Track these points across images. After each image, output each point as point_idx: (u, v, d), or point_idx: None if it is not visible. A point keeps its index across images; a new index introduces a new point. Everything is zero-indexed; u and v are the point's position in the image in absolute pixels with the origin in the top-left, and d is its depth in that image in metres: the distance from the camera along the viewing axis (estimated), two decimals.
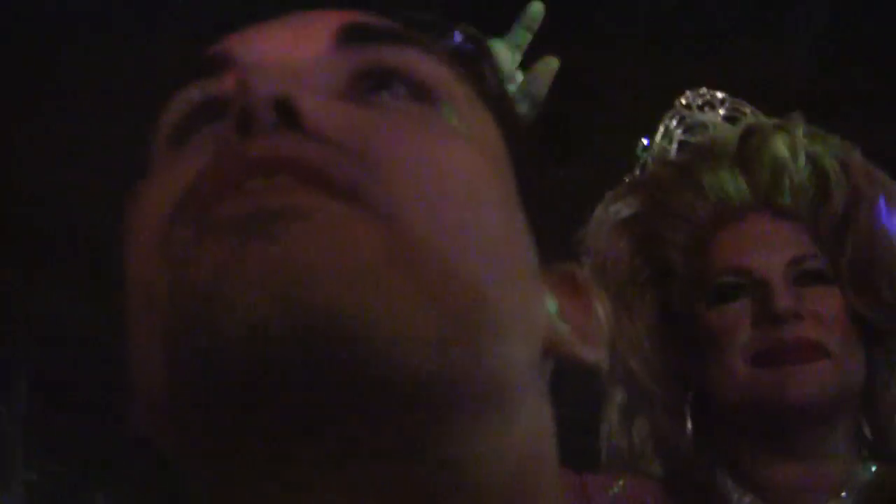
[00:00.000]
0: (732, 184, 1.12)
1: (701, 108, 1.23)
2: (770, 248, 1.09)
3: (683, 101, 1.24)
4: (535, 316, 0.52)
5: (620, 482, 1.10)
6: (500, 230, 0.50)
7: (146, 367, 0.48)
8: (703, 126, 1.20)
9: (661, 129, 1.23)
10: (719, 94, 1.23)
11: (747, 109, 1.21)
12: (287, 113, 0.47)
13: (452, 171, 0.49)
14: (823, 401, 1.04)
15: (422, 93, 0.52)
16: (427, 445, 0.47)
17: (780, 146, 1.11)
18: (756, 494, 1.07)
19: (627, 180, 1.19)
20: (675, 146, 1.21)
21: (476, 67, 0.57)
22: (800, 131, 1.12)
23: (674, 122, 1.23)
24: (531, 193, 0.56)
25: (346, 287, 0.44)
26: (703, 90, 1.25)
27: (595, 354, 0.56)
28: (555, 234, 0.59)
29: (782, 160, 1.11)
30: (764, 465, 1.07)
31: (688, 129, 1.21)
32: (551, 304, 0.56)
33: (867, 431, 1.10)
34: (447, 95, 0.53)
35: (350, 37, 0.53)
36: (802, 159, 1.11)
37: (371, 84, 0.52)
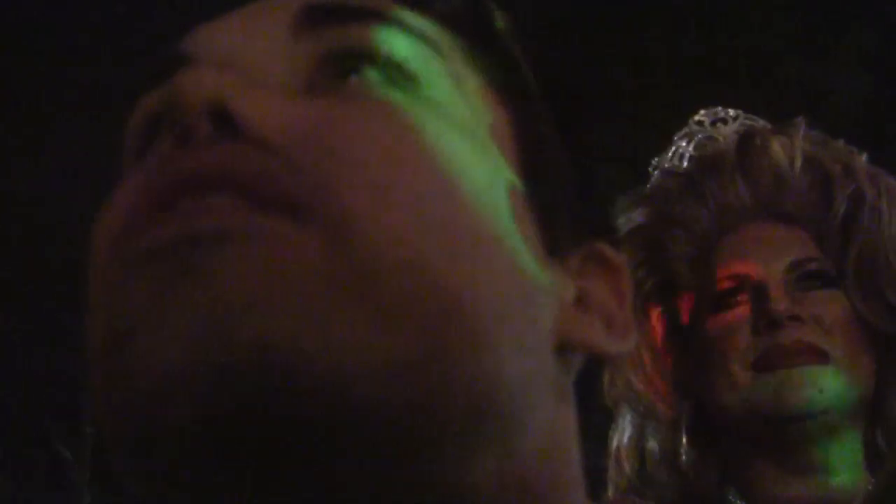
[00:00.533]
0: (733, 191, 1.10)
1: (713, 124, 1.21)
2: (769, 253, 1.07)
3: (697, 119, 1.23)
4: (536, 313, 0.46)
5: None
6: (481, 226, 0.44)
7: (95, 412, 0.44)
8: (714, 140, 1.18)
9: (673, 147, 1.22)
10: (731, 112, 1.22)
11: (760, 124, 1.19)
12: (223, 119, 0.42)
13: (421, 167, 0.44)
14: (824, 407, 1.01)
15: (396, 75, 0.47)
16: (405, 483, 0.42)
17: (778, 150, 1.09)
18: None
19: (632, 193, 1.17)
20: (684, 163, 1.19)
21: (473, 34, 0.52)
22: (799, 135, 1.10)
23: (684, 142, 1.21)
24: (541, 169, 0.50)
25: (277, 320, 0.39)
26: (718, 108, 1.24)
27: (621, 344, 0.51)
28: (583, 208, 0.53)
29: (781, 164, 1.09)
30: (773, 482, 1.04)
31: (698, 147, 1.19)
32: (569, 290, 0.50)
33: (880, 444, 1.05)
34: (427, 74, 0.47)
35: (312, 19, 0.48)
36: (800, 162, 1.08)
37: (337, 70, 0.47)
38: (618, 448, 1.11)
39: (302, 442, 0.40)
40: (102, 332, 0.42)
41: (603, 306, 0.51)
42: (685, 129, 1.21)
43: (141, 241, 0.41)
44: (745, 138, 1.13)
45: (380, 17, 0.48)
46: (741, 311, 1.05)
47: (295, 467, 0.40)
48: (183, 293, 0.39)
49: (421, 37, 0.49)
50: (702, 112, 1.22)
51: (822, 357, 1.02)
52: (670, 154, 1.20)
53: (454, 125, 0.47)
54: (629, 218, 1.14)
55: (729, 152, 1.12)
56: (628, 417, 1.11)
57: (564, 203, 0.52)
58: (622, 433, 1.11)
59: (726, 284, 1.07)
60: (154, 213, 0.41)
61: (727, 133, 1.19)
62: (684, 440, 1.07)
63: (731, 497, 1.06)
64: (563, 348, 0.48)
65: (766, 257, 1.07)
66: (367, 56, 0.47)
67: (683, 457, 1.06)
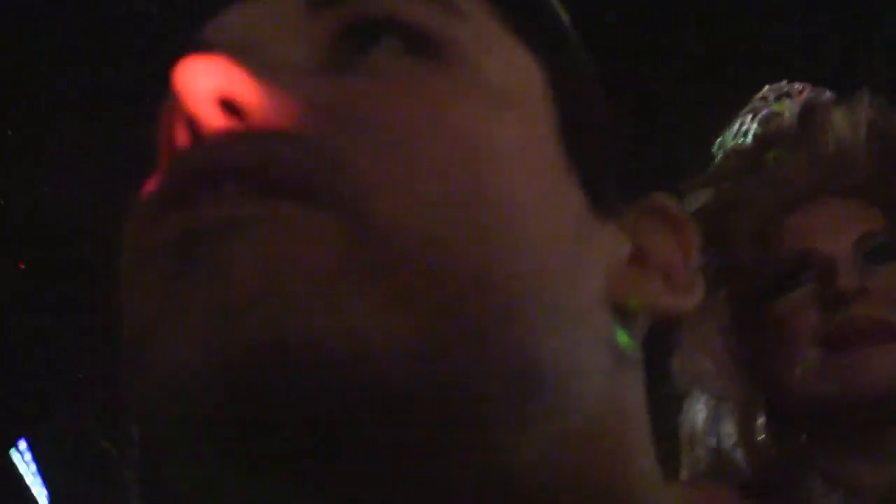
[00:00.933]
0: (796, 166, 1.07)
1: (778, 99, 1.18)
2: (836, 227, 1.04)
3: (761, 95, 1.20)
4: (580, 277, 0.44)
5: (701, 491, 1.05)
6: (510, 195, 0.42)
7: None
8: (778, 115, 1.15)
9: (737, 124, 1.19)
10: (797, 85, 1.18)
11: (825, 97, 1.16)
12: (232, 106, 0.41)
13: (444, 138, 0.41)
14: None
15: (418, 42, 0.45)
16: (450, 470, 0.40)
17: (841, 122, 1.05)
18: (847, 497, 1.01)
19: (696, 174, 1.15)
20: (749, 139, 1.16)
21: None
22: (863, 105, 1.06)
23: (749, 117, 1.19)
24: (582, 125, 0.48)
25: (288, 311, 0.37)
26: (783, 83, 1.20)
27: (684, 301, 0.48)
28: (635, 165, 0.52)
29: (844, 136, 1.05)
30: (849, 466, 1.01)
31: (762, 122, 1.16)
32: (624, 247, 0.47)
33: None
34: (451, 40, 0.45)
35: None
36: (864, 132, 1.05)
37: (356, 42, 0.45)
38: (692, 430, 1.09)
39: (331, 434, 0.38)
40: (126, 332, 0.41)
41: (663, 262, 0.49)
42: (750, 105, 1.18)
43: (153, 238, 0.40)
44: (807, 111, 1.10)
45: None
46: (809, 289, 1.03)
47: (326, 460, 0.39)
48: (188, 289, 0.38)
49: (444, 2, 0.47)
50: (766, 87, 1.19)
51: (894, 334, 0.99)
52: (734, 131, 1.17)
53: (480, 90, 0.45)
54: (692, 199, 1.11)
55: (791, 127, 1.10)
56: (702, 400, 1.09)
57: (612, 157, 0.50)
58: (696, 415, 1.09)
59: (793, 262, 1.04)
60: (166, 209, 0.40)
61: (792, 107, 1.16)
62: (759, 422, 1.04)
63: (810, 482, 1.02)
64: (621, 310, 0.46)
65: (833, 232, 1.04)
66: (386, 25, 0.45)
67: (760, 438, 1.04)
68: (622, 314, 0.46)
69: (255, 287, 0.37)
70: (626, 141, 0.52)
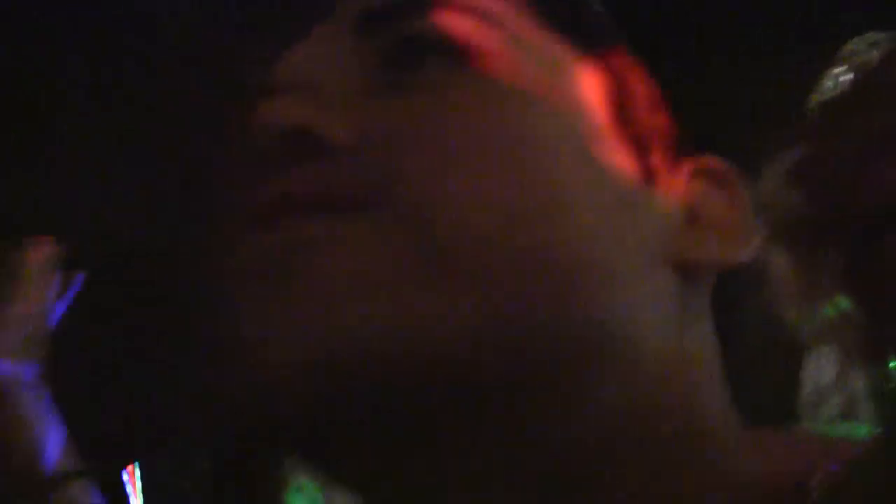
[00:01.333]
0: (887, 108, 1.05)
1: (866, 49, 1.17)
2: None
3: (850, 48, 1.19)
4: (635, 244, 0.49)
5: (840, 442, 1.03)
6: (562, 181, 0.47)
7: None
8: (867, 64, 1.14)
9: (828, 77, 1.18)
10: (885, 34, 1.18)
11: None
12: (300, 139, 0.46)
13: (494, 142, 0.46)
14: None
15: (461, 57, 0.48)
16: (527, 430, 0.44)
17: None
18: None
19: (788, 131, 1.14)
20: (841, 90, 1.15)
21: None
22: None
23: (839, 69, 1.17)
24: (626, 99, 0.52)
25: (368, 313, 0.42)
26: (870, 33, 1.20)
27: (741, 252, 0.53)
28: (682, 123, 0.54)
29: None
30: None
31: (853, 71, 1.15)
32: (677, 209, 0.52)
33: None
34: (492, 51, 0.49)
35: (371, 21, 0.50)
36: None
37: (406, 63, 0.49)
38: (817, 383, 1.07)
39: (422, 414, 0.43)
40: (227, 346, 0.46)
41: (717, 218, 0.54)
42: (839, 56, 1.17)
43: (242, 258, 0.45)
44: (891, 55, 1.08)
45: (433, 2, 0.50)
46: None
47: (419, 438, 0.44)
48: (279, 303, 0.44)
49: (478, 12, 0.50)
50: (855, 39, 1.19)
51: None
52: (827, 84, 1.16)
53: (522, 90, 0.48)
54: (789, 154, 1.10)
55: (876, 73, 1.08)
56: (828, 353, 1.07)
57: (657, 124, 0.54)
58: (822, 370, 1.07)
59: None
60: (254, 233, 0.46)
61: (881, 55, 1.15)
62: (893, 366, 1.02)
63: None
64: (682, 267, 0.51)
65: None
66: (432, 44, 0.49)
67: (894, 385, 1.01)
68: (684, 271, 0.51)
69: (333, 300, 0.43)
70: (677, 106, 0.54)
